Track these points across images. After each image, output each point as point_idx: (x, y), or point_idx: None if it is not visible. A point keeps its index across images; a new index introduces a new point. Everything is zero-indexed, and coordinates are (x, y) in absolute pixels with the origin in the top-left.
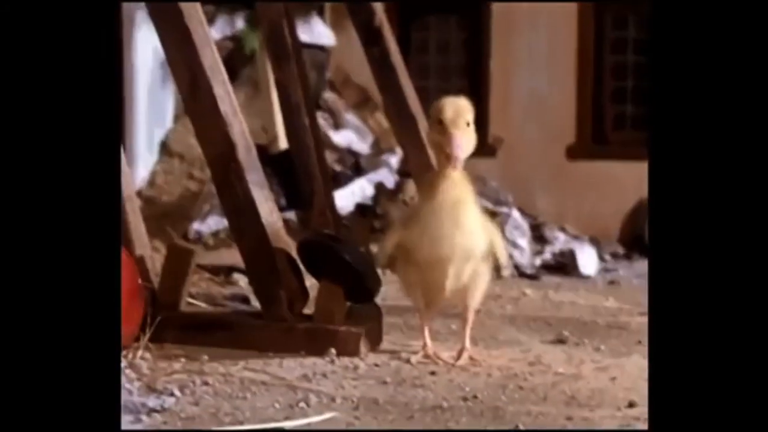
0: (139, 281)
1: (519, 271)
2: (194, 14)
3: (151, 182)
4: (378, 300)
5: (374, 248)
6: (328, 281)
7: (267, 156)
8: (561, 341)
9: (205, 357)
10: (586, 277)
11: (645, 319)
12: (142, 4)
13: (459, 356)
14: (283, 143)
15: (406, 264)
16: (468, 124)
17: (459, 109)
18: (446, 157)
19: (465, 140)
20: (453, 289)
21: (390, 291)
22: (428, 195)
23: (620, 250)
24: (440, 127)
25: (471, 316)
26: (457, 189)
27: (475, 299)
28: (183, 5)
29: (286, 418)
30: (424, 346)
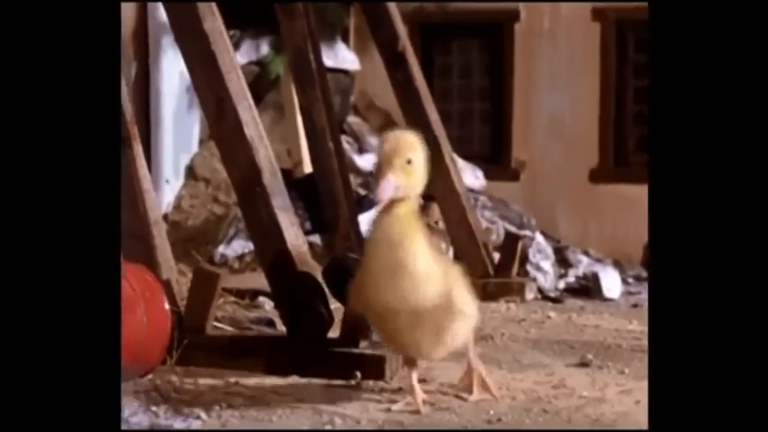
0: (166, 305)
1: (543, 294)
2: (220, 40)
3: (177, 206)
4: None
5: None
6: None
7: (292, 180)
8: (585, 364)
9: (232, 380)
10: (610, 300)
11: None
12: (168, 28)
13: (471, 391)
14: (307, 167)
15: (368, 313)
16: (410, 162)
17: (397, 147)
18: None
19: (396, 180)
20: (416, 340)
21: None
22: (370, 236)
23: (643, 273)
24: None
25: (473, 356)
26: (401, 228)
27: (465, 342)
28: (209, 30)
29: None
30: (412, 391)
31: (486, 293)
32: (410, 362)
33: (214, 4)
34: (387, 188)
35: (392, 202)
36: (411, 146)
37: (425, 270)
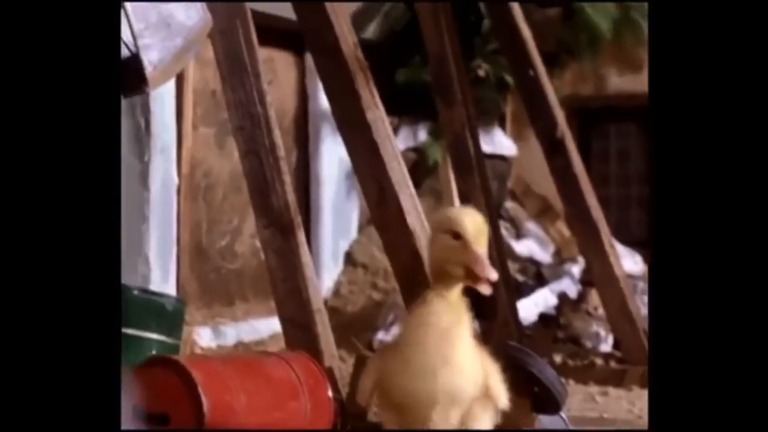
0: (330, 393)
1: None
2: (382, 129)
3: (336, 292)
4: (563, 411)
5: (557, 359)
6: (515, 393)
7: None
8: None
9: None
10: None
11: None
12: (328, 115)
13: None
14: None
15: (384, 405)
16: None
17: (481, 224)
18: (452, 276)
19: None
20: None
21: (574, 402)
22: (416, 318)
23: None
24: (458, 243)
25: None
26: (452, 314)
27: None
28: (371, 121)
29: None
30: None
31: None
32: None
33: (377, 94)
34: (492, 268)
35: (443, 286)
36: (486, 227)
37: (469, 362)
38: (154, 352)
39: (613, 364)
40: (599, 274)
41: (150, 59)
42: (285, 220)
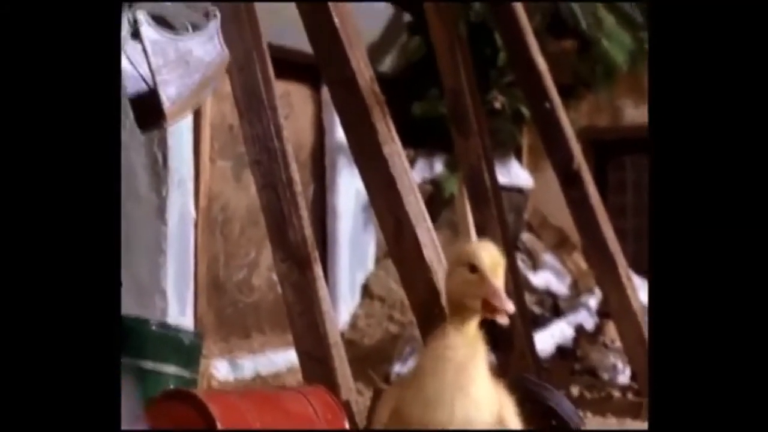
0: (347, 425)
1: None
2: (399, 163)
3: (353, 325)
4: None
5: (574, 391)
6: (533, 426)
7: None
8: None
9: None
10: None
11: None
12: (344, 148)
13: None
14: None
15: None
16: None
17: (497, 257)
18: (469, 309)
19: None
20: None
21: None
22: (434, 350)
23: None
24: (475, 276)
25: None
26: (469, 347)
27: None
28: (388, 155)
29: None
30: None
31: None
32: None
33: (393, 128)
34: (508, 300)
35: (460, 320)
36: (503, 259)
37: (485, 393)
38: (171, 386)
39: (630, 396)
40: (616, 306)
41: (168, 95)
42: (302, 253)
